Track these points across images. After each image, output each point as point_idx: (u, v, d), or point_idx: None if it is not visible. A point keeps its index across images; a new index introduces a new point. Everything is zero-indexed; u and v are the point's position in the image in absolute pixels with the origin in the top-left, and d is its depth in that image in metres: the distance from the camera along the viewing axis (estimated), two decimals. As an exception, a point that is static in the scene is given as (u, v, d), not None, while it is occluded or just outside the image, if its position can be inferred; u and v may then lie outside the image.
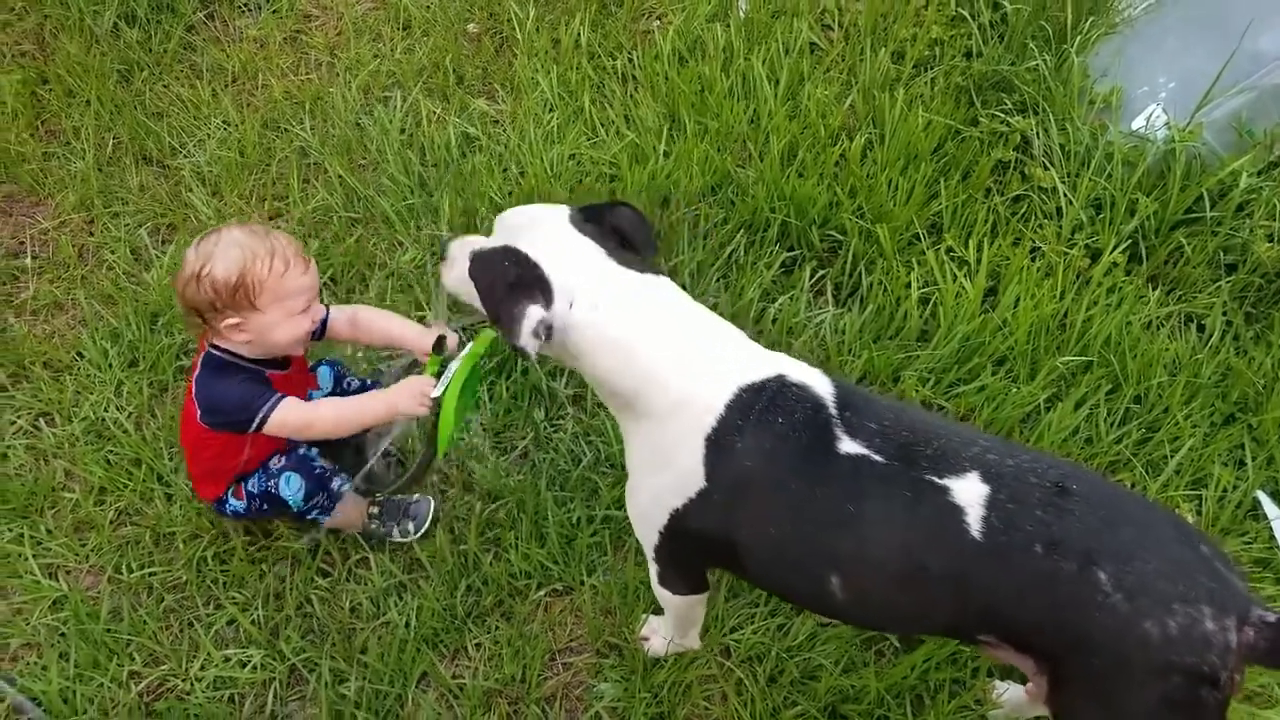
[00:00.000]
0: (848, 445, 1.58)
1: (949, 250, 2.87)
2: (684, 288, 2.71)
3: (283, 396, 2.14)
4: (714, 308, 2.67)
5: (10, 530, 2.43)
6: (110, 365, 2.68)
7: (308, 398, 2.32)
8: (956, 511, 1.52)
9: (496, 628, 2.30)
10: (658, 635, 2.23)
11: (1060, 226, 2.92)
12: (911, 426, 1.61)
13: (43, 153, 3.20)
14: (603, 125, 3.16)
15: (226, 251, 2.06)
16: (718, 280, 2.79)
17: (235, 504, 2.30)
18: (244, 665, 2.23)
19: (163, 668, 2.24)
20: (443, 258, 1.88)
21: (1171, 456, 2.54)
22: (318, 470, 2.30)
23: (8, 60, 3.43)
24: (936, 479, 1.54)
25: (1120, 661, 1.46)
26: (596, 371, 1.72)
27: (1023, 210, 3.01)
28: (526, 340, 1.64)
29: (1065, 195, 2.94)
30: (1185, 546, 1.49)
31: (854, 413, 1.62)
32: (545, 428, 2.59)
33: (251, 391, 2.13)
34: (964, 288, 2.75)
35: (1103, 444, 2.56)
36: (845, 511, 1.57)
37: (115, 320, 2.77)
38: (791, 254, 2.86)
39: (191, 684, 2.21)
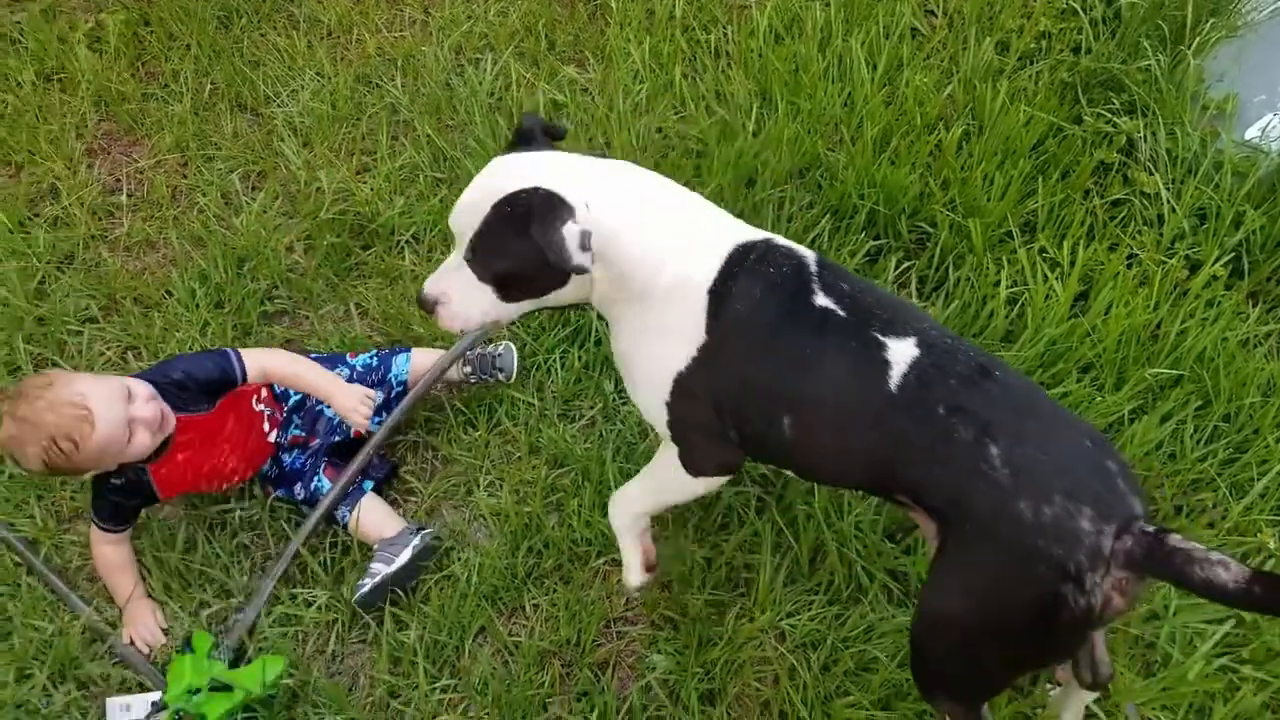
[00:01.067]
0: (820, 299, 1.78)
1: (1041, 250, 2.91)
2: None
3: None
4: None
5: (95, 456, 2.62)
6: (197, 305, 2.86)
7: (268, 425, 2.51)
8: (886, 366, 1.71)
9: (554, 590, 2.43)
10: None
11: (1160, 234, 2.94)
12: (877, 297, 1.82)
13: (142, 93, 3.40)
14: (692, 100, 3.25)
15: (22, 451, 2.13)
16: (800, 264, 2.86)
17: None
18: (309, 605, 2.39)
19: (232, 600, 2.41)
20: (428, 309, 1.85)
21: (1258, 479, 2.56)
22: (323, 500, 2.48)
23: (112, 1, 3.63)
24: (880, 336, 1.74)
25: (989, 533, 1.60)
26: (620, 266, 1.79)
27: (1122, 215, 3.03)
28: (578, 256, 1.66)
29: (1168, 202, 2.96)
30: (1091, 453, 1.62)
31: (830, 274, 1.83)
32: (615, 399, 2.70)
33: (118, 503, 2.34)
34: (1054, 290, 2.79)
35: (1186, 460, 2.58)
36: (805, 355, 1.76)
37: (204, 262, 2.95)
38: (878, 243, 2.92)
39: (259, 616, 2.37)
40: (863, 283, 1.86)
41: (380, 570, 2.37)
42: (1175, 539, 1.52)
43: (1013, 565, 1.59)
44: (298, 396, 2.57)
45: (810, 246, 2.88)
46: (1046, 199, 3.00)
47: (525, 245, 1.68)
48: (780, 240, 1.88)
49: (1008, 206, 2.94)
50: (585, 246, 1.67)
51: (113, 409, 2.13)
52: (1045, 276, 2.83)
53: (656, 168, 3.02)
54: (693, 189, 2.95)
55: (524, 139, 1.87)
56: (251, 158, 3.22)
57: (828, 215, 2.94)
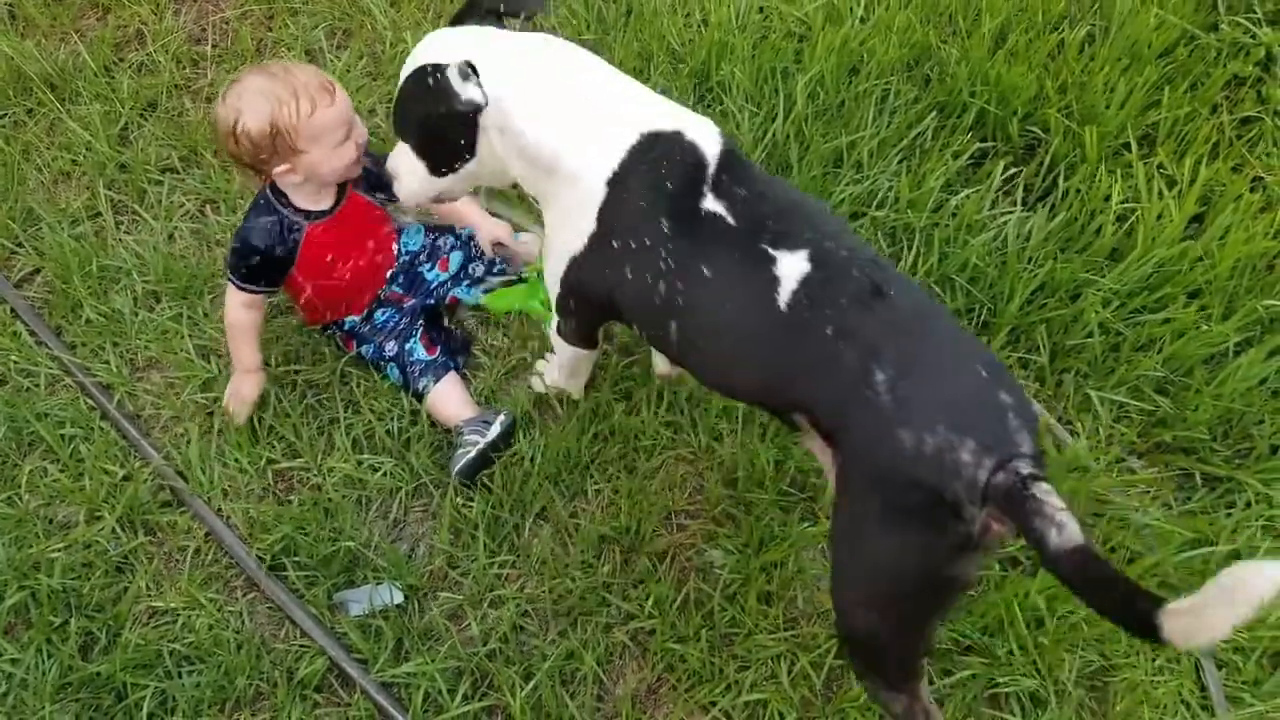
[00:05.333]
0: (709, 203, 1.74)
1: (1159, 166, 2.73)
2: (859, 166, 2.71)
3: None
4: (890, 191, 2.66)
5: (170, 308, 2.63)
6: (276, 162, 2.81)
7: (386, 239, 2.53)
8: (774, 283, 1.66)
9: (617, 477, 2.39)
10: (545, 374, 2.45)
11: (1292, 157, 2.73)
12: (777, 203, 1.75)
13: (230, -61, 3.30)
14: (799, -20, 3.06)
15: (253, 103, 2.18)
16: (899, 162, 2.72)
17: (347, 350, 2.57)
18: (375, 471, 2.39)
19: (299, 460, 2.42)
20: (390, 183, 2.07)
21: (1365, 423, 2.41)
22: (411, 368, 2.48)
23: None
24: (770, 249, 1.68)
25: (870, 460, 1.57)
26: (522, 143, 1.83)
27: (1251, 134, 2.83)
28: (464, 90, 1.77)
29: (1306, 123, 2.74)
30: (984, 384, 1.55)
31: (730, 175, 1.76)
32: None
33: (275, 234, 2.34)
34: (1169, 209, 2.62)
35: (1292, 399, 2.44)
36: (687, 265, 1.73)
37: (285, 119, 2.88)
38: (985, 145, 2.76)
39: (323, 477, 2.38)
40: (766, 184, 1.79)
41: (478, 441, 2.36)
42: (1041, 488, 1.45)
43: (890, 491, 1.55)
44: (406, 257, 2.56)
45: (912, 143, 2.80)
46: (1170, 111, 2.80)
47: (422, 106, 1.85)
48: (695, 130, 1.80)
49: (1128, 116, 2.76)
50: (467, 76, 1.77)
51: (348, 103, 2.28)
52: (1161, 194, 2.66)
53: (755, 49, 2.90)
54: (791, 75, 2.86)
55: (467, 13, 1.94)
56: (338, 14, 3.13)
57: (934, 112, 2.78)
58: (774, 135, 2.77)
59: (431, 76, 1.81)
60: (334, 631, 2.23)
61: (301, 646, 2.21)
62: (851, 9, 2.92)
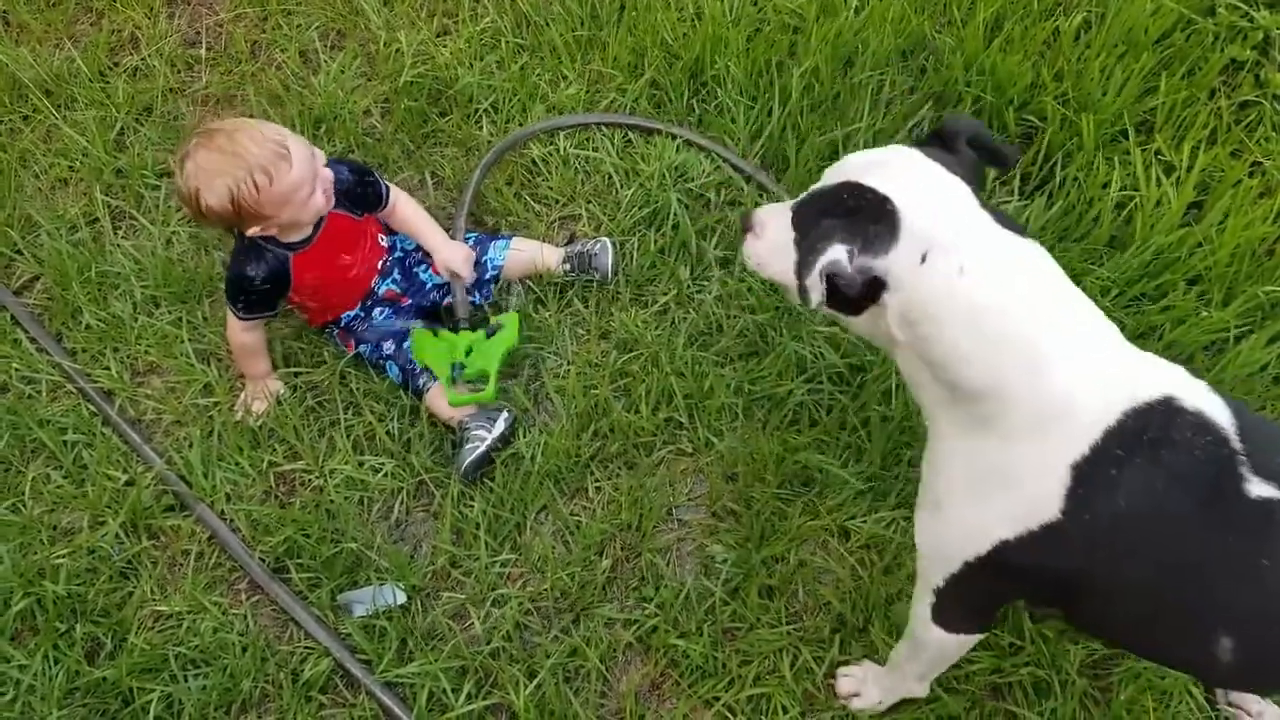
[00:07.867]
0: (1259, 488, 1.41)
1: (1157, 153, 2.72)
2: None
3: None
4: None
5: (170, 313, 2.64)
6: (272, 165, 2.82)
7: (378, 246, 2.56)
8: None
9: (618, 474, 2.41)
10: (872, 687, 2.09)
11: (1291, 141, 2.73)
12: None
13: (222, -58, 3.31)
14: (793, -29, 3.06)
15: (209, 183, 2.15)
16: (895, 154, 2.72)
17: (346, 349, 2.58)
18: (376, 472, 2.41)
19: (299, 463, 2.43)
20: (745, 228, 1.69)
21: (1369, 409, 2.42)
22: (411, 367, 2.49)
23: None
24: None
25: None
26: (939, 352, 1.49)
27: (1250, 119, 2.82)
28: (812, 283, 1.42)
29: (1304, 107, 2.74)
30: None
31: (1261, 450, 1.44)
32: (689, 287, 2.63)
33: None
34: (1168, 195, 2.62)
35: (1292, 385, 2.45)
36: (1253, 563, 1.42)
37: (281, 121, 2.89)
38: (980, 135, 2.76)
39: (325, 479, 2.40)
40: None
41: (485, 437, 2.38)
42: None
43: None
44: (399, 254, 2.60)
45: (908, 135, 2.79)
46: (1168, 97, 2.79)
47: (815, 231, 1.45)
48: (1184, 397, 1.47)
49: (1124, 103, 2.75)
50: (834, 278, 1.44)
51: (305, 157, 2.23)
52: (1159, 180, 2.66)
53: (749, 42, 2.90)
54: (786, 68, 2.86)
55: (952, 147, 1.56)
56: (331, 15, 3.13)
57: (930, 103, 2.78)
58: (770, 129, 2.78)
59: (848, 213, 1.45)
60: (338, 633, 2.25)
61: (306, 648, 2.23)
62: (845, 0, 2.92)
